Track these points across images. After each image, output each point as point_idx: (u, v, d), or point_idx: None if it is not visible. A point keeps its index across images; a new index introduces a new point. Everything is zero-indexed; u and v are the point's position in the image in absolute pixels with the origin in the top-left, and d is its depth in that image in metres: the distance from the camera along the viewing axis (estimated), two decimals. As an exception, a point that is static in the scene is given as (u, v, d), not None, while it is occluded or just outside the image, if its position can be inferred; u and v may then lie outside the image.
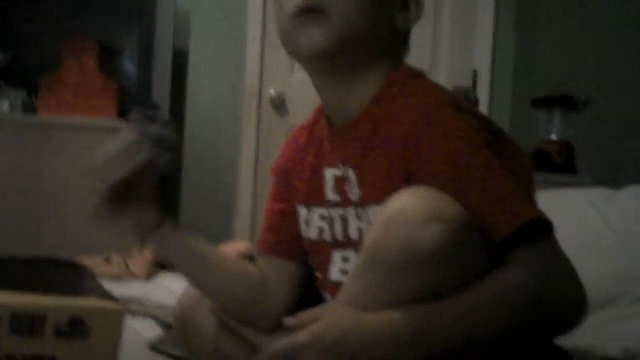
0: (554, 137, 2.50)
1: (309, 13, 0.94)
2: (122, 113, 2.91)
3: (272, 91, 3.09)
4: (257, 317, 1.09)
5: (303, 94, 2.88)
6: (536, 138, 2.53)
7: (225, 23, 3.14)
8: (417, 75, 1.00)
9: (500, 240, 0.86)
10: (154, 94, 3.08)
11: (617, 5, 2.64)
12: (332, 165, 1.01)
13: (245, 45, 3.08)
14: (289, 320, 0.87)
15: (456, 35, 3.00)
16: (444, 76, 2.88)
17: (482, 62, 2.95)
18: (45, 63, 2.90)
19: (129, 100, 2.95)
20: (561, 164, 2.45)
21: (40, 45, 3.03)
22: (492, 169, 0.88)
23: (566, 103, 2.49)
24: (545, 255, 0.87)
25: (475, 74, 2.94)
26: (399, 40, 1.01)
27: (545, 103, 2.53)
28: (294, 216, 1.08)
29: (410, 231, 0.81)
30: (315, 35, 0.94)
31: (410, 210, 0.82)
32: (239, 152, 3.14)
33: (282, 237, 1.10)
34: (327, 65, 0.98)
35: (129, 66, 3.12)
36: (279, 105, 3.11)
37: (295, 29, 0.96)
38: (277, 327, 0.99)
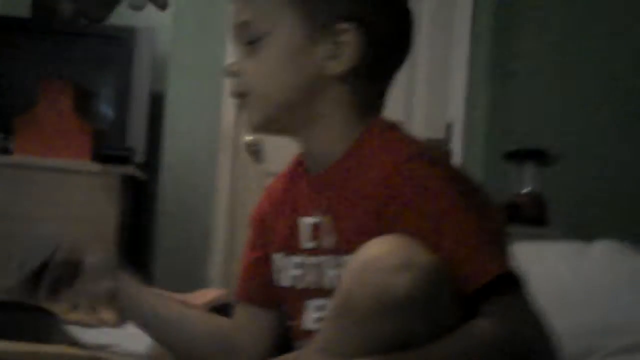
0: (525, 190, 2.53)
1: (238, 99, 1.03)
2: (97, 156, 2.90)
3: (248, 137, 3.10)
4: None
5: (279, 141, 2.89)
6: (509, 192, 2.56)
7: (203, 68, 3.16)
8: (392, 126, 1.01)
9: (471, 292, 0.86)
10: (130, 137, 3.08)
11: (592, 60, 2.71)
12: (308, 213, 1.02)
13: (222, 90, 3.10)
14: None
15: (430, 89, 3.05)
16: (418, 129, 2.92)
17: (456, 115, 2.99)
18: (21, 104, 2.89)
19: (104, 143, 2.94)
20: (532, 217, 2.47)
21: (17, 86, 3.02)
22: (465, 221, 0.89)
23: (538, 157, 2.53)
24: (514, 308, 0.87)
25: (449, 127, 2.98)
26: (350, 84, 0.99)
27: (517, 157, 2.57)
28: (270, 264, 1.08)
29: (382, 279, 0.81)
30: (247, 117, 1.03)
31: (382, 257, 0.83)
32: (213, 198, 3.13)
33: (258, 285, 1.10)
34: (274, 132, 1.05)
35: (105, 109, 3.12)
36: (255, 151, 3.12)
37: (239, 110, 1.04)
38: None
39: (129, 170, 2.94)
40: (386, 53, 1.00)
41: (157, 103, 3.17)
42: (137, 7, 3.03)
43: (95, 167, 2.87)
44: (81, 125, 2.90)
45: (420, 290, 0.82)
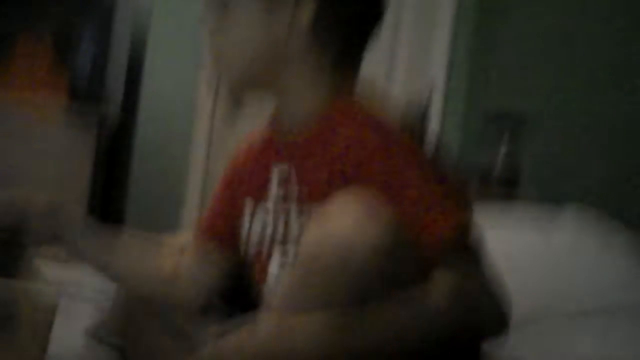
0: (501, 152, 2.55)
1: (214, 59, 1.06)
2: (74, 94, 2.88)
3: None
4: (172, 308, 1.11)
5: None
6: (485, 153, 2.58)
7: (186, 15, 3.12)
8: (359, 99, 1.02)
9: (430, 251, 0.89)
10: (109, 79, 3.05)
11: (575, 25, 2.71)
12: (278, 161, 1.05)
13: (203, 34, 3.07)
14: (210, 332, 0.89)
15: (413, 50, 3.04)
16: (399, 90, 2.92)
17: (437, 77, 2.99)
18: None
19: (81, 88, 2.92)
20: (506, 180, 2.50)
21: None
22: (426, 189, 0.92)
23: (516, 120, 2.55)
24: (470, 266, 0.90)
25: (429, 89, 2.98)
26: (315, 47, 1.00)
27: (496, 119, 2.58)
28: (238, 206, 1.10)
29: (344, 234, 0.84)
30: (222, 80, 1.06)
31: (345, 214, 0.85)
32: (191, 140, 3.13)
33: (223, 222, 1.13)
34: (247, 93, 1.08)
35: (86, 50, 3.08)
36: (235, 97, 3.11)
37: None
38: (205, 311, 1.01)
39: (106, 109, 2.92)
40: (349, 13, 1.01)
41: (137, 46, 3.14)
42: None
43: (72, 105, 2.86)
44: (58, 70, 2.87)
45: (381, 248, 0.85)
